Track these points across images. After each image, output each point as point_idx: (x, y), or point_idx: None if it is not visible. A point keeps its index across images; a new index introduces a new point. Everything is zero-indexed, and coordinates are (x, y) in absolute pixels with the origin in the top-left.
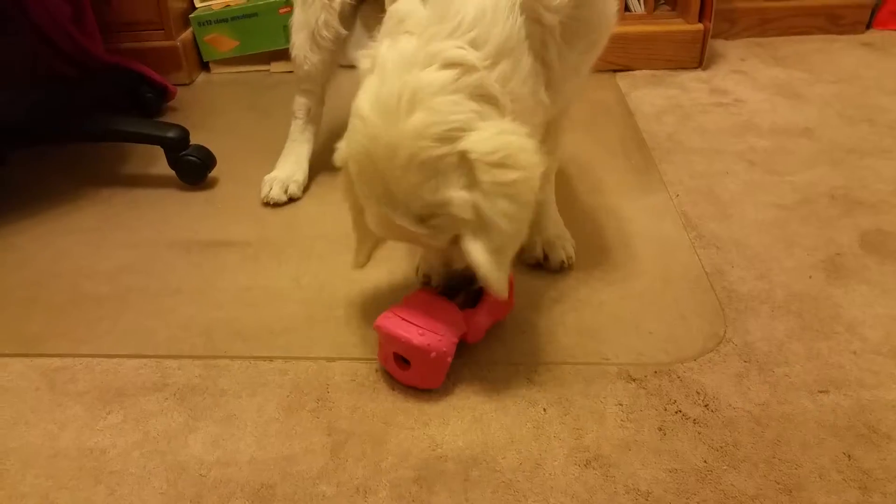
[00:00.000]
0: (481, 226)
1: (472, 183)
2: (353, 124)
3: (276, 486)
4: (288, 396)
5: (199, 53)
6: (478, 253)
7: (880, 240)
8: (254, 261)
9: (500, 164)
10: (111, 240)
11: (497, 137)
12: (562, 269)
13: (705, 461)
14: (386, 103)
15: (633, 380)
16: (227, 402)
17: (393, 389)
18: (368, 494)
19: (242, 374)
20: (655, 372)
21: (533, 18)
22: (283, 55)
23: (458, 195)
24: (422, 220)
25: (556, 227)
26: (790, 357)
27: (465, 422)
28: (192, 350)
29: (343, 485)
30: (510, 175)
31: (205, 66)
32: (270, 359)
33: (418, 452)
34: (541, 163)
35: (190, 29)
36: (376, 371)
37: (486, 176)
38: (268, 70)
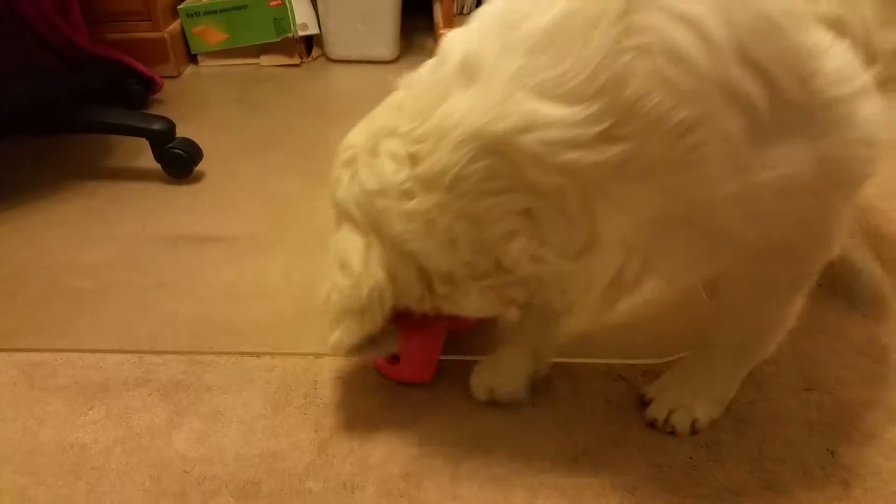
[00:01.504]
0: None
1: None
2: None
3: (262, 483)
4: (275, 392)
5: (186, 45)
6: None
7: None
8: (241, 256)
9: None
10: (94, 233)
11: (346, 235)
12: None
13: (691, 457)
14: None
15: (623, 379)
16: (212, 398)
17: (382, 385)
18: (356, 490)
19: (228, 369)
20: (644, 372)
21: (520, 166)
22: (273, 49)
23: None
24: None
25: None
26: (777, 356)
27: (453, 417)
28: (176, 345)
29: (330, 481)
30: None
31: (193, 59)
32: (257, 354)
33: (406, 448)
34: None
35: (178, 20)
36: (365, 367)
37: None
38: (257, 63)
